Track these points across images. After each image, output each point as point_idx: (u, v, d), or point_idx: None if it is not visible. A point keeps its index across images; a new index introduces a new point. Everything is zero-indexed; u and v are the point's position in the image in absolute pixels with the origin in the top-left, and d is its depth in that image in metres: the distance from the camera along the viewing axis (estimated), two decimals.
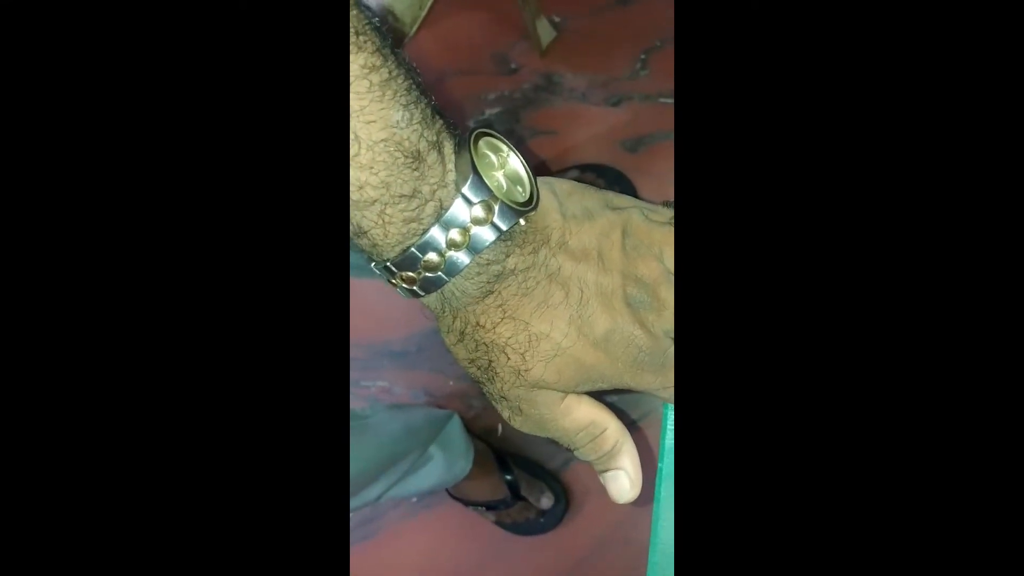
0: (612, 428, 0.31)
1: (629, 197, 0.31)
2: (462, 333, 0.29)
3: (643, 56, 1.16)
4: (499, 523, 1.04)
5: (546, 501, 1.02)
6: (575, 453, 0.32)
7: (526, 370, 0.29)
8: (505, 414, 0.31)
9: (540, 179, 0.30)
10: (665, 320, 0.29)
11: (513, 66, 1.18)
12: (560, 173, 1.06)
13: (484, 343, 0.29)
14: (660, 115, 1.13)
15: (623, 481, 0.31)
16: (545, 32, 1.14)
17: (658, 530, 0.34)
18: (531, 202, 0.28)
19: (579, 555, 1.04)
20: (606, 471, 0.32)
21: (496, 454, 1.03)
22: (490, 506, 1.02)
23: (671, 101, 1.14)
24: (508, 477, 1.01)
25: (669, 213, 0.31)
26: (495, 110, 1.16)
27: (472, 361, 0.30)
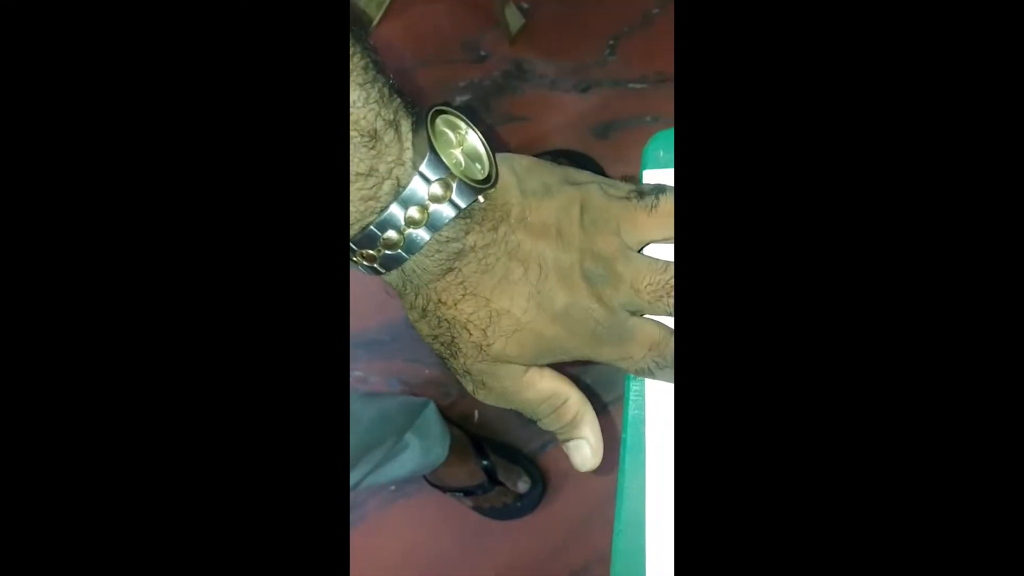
0: (574, 399, 0.32)
1: (588, 172, 0.32)
2: (424, 310, 0.30)
3: (612, 42, 1.16)
4: (477, 508, 1.05)
5: (523, 485, 1.03)
6: (539, 423, 0.33)
7: (488, 345, 0.30)
8: (469, 387, 0.32)
9: (499, 156, 0.30)
10: (621, 294, 0.30)
11: (483, 53, 1.18)
12: None
13: (446, 319, 0.29)
14: (629, 101, 1.14)
15: (585, 450, 0.32)
16: (514, 19, 1.14)
17: (623, 500, 0.35)
18: (489, 179, 0.28)
19: (558, 537, 1.05)
20: (569, 440, 0.32)
21: (473, 440, 1.04)
22: (468, 492, 1.02)
23: (640, 87, 1.15)
24: (485, 463, 1.02)
25: (627, 187, 0.32)
26: (465, 97, 1.16)
27: (435, 337, 0.30)
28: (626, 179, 0.33)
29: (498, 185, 0.29)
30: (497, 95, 1.16)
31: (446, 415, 1.01)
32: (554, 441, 0.90)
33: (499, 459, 1.04)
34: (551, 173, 0.31)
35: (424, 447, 0.94)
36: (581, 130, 1.13)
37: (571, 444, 0.32)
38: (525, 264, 0.29)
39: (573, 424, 0.32)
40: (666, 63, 1.14)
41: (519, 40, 1.17)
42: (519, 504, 1.04)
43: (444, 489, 1.03)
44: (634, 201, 0.30)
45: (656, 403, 0.34)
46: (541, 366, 0.31)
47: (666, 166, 0.36)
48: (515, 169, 0.30)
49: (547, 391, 0.31)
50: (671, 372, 0.31)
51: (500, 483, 1.03)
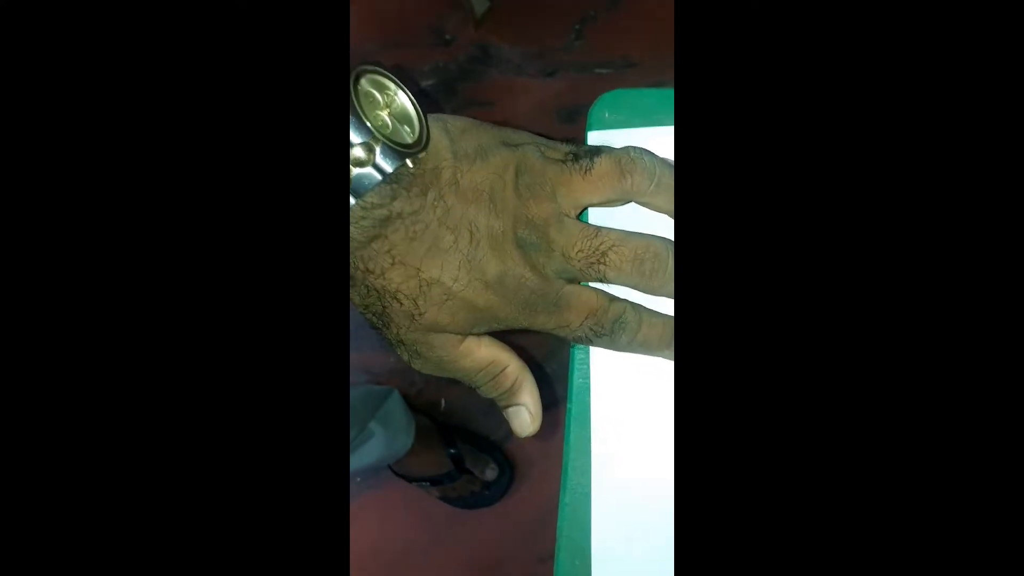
0: (512, 366, 0.31)
1: (527, 133, 0.31)
2: (352, 279, 0.28)
3: (578, 27, 1.15)
4: (444, 498, 1.04)
5: (491, 473, 1.02)
6: (478, 391, 0.32)
7: (419, 315, 0.28)
8: (404, 357, 0.31)
9: (433, 117, 0.29)
10: (554, 261, 0.29)
11: (448, 37, 1.16)
12: None
13: (375, 289, 0.28)
14: (596, 85, 1.13)
15: (524, 415, 0.32)
16: (479, 2, 1.13)
17: (568, 471, 0.34)
18: (420, 143, 0.27)
19: (527, 524, 1.04)
20: (508, 407, 0.32)
21: (439, 429, 1.03)
22: (434, 481, 1.01)
23: (606, 71, 1.14)
24: (452, 451, 1.01)
25: (565, 149, 0.31)
26: (430, 82, 1.15)
27: (367, 307, 0.29)
28: (568, 141, 0.32)
29: (429, 148, 0.27)
30: (463, 80, 1.15)
31: (412, 404, 1.00)
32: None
33: (466, 447, 1.02)
34: (487, 134, 0.30)
35: (389, 436, 0.92)
36: (547, 114, 1.12)
37: (510, 410, 0.32)
38: (456, 231, 0.28)
39: (512, 391, 0.32)
40: (633, 48, 1.14)
41: (485, 24, 1.15)
42: (487, 492, 1.03)
43: (410, 479, 1.02)
44: (569, 164, 0.29)
45: (601, 372, 0.33)
46: (479, 334, 0.30)
47: (612, 127, 0.35)
48: (449, 131, 0.29)
49: (485, 359, 0.31)
50: (610, 340, 0.30)
51: (467, 471, 1.02)
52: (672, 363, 0.32)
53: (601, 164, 0.29)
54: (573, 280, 0.30)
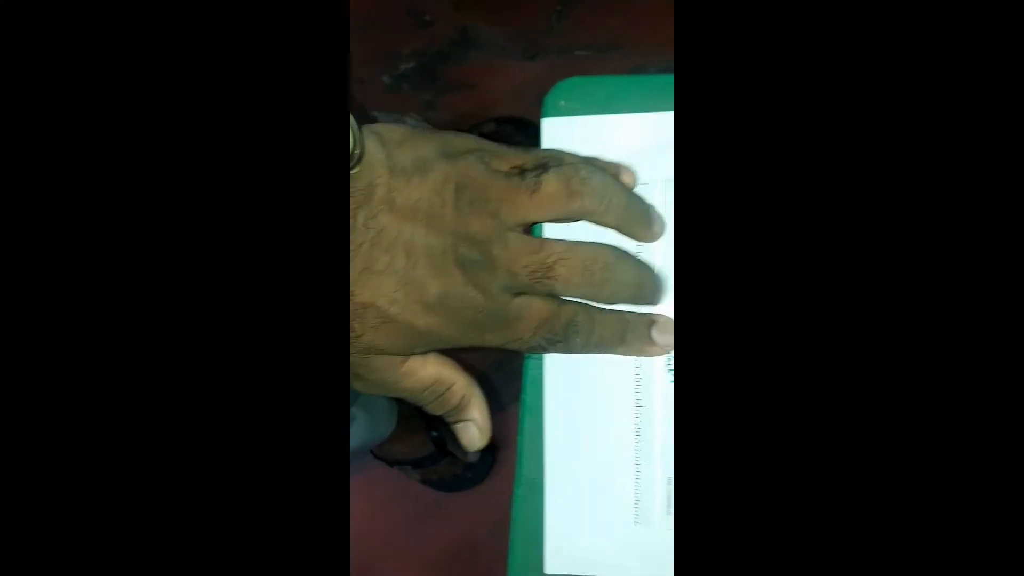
0: (459, 383, 0.31)
1: (473, 138, 0.30)
2: None
3: (559, 8, 1.14)
4: (425, 481, 1.04)
5: (472, 455, 1.02)
6: (424, 409, 0.32)
7: (356, 337, 0.28)
8: None
9: (369, 128, 0.28)
10: (500, 278, 0.28)
11: (427, 19, 1.15)
12: (476, 127, 1.04)
13: None
14: (577, 68, 1.12)
15: (472, 431, 0.32)
16: None
17: (522, 463, 0.34)
18: (351, 159, 0.26)
19: (508, 505, 1.05)
20: (456, 423, 0.32)
21: (422, 412, 1.03)
22: (416, 464, 1.01)
23: (587, 54, 1.13)
24: (434, 433, 1.01)
25: (512, 158, 0.29)
26: (410, 65, 1.13)
27: None
28: (520, 145, 0.31)
29: (363, 163, 0.27)
30: (443, 62, 1.13)
31: None
32: (505, 408, 0.89)
33: (448, 430, 1.02)
34: (427, 145, 0.28)
35: (371, 420, 0.92)
36: (528, 97, 1.11)
37: (459, 426, 0.32)
38: (390, 252, 0.27)
39: (459, 408, 0.31)
40: (615, 30, 1.13)
41: (464, 5, 1.14)
42: (469, 474, 1.03)
43: (391, 462, 1.02)
44: (515, 180, 0.28)
45: (555, 364, 0.33)
46: (423, 353, 0.30)
47: (566, 114, 0.35)
48: (385, 143, 0.28)
49: (429, 379, 0.30)
50: (564, 345, 0.30)
51: (449, 454, 1.02)
52: (627, 357, 0.32)
53: (549, 183, 0.28)
54: (521, 293, 0.29)
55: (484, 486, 1.05)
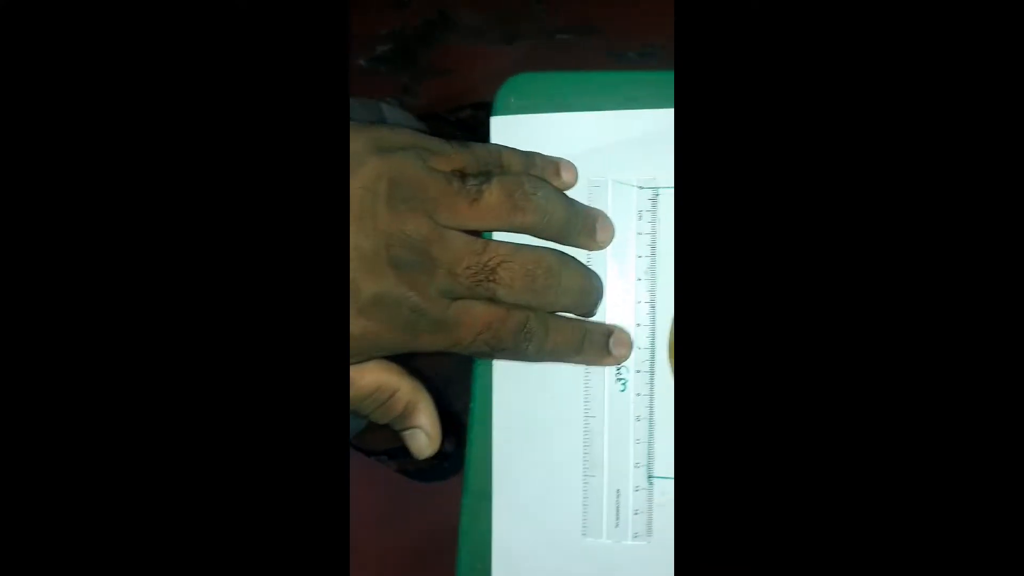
0: (403, 389, 0.30)
1: (409, 133, 0.28)
2: None
3: None
4: (402, 471, 1.04)
5: (448, 445, 1.02)
6: (368, 419, 0.31)
7: None
8: None
9: None
10: (438, 280, 0.27)
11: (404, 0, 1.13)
12: (454, 112, 1.03)
13: None
14: (557, 52, 1.11)
15: (420, 438, 0.31)
16: None
17: (470, 473, 0.33)
18: None
19: None
20: (403, 430, 0.31)
21: None
22: (392, 454, 1.01)
23: (567, 37, 1.11)
24: None
25: (452, 156, 0.28)
26: (386, 47, 1.11)
27: None
28: (461, 140, 0.29)
29: None
30: (420, 46, 1.11)
31: None
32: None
33: None
34: (359, 140, 0.27)
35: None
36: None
37: (407, 433, 0.31)
38: None
39: (405, 415, 0.30)
40: (595, 14, 1.11)
41: None
42: (445, 465, 1.02)
43: (368, 452, 1.02)
44: (456, 185, 0.27)
45: (504, 373, 0.32)
46: (361, 362, 0.29)
47: (518, 112, 0.33)
48: None
49: (369, 387, 0.29)
50: (514, 352, 0.29)
51: None
52: (584, 365, 0.31)
53: (492, 195, 0.27)
54: (460, 297, 0.28)
55: (460, 476, 1.04)
